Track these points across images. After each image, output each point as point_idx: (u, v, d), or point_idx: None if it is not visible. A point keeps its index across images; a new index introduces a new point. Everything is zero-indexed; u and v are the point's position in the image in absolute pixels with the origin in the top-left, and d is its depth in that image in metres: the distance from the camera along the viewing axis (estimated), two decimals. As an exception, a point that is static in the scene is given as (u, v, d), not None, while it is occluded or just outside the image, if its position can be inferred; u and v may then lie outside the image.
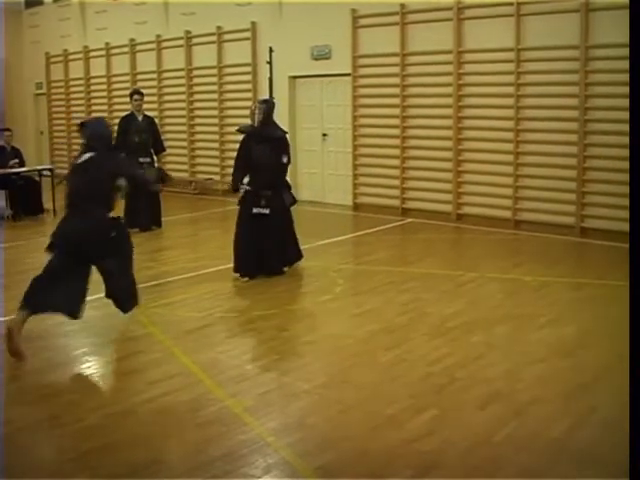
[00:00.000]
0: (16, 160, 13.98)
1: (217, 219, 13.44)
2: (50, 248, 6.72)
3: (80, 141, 7.43)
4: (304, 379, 5.78)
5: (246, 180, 8.83)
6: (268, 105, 9.09)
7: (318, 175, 14.74)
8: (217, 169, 16.07)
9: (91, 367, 6.28)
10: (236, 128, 9.57)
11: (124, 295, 7.19)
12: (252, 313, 7.64)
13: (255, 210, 8.79)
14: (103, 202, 6.77)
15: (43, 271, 6.68)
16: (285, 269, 9.13)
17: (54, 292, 6.63)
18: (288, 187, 9.17)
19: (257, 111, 8.94)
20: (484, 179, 12.22)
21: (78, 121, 7.40)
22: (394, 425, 4.94)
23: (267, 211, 8.80)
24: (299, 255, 9.33)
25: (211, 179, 16.05)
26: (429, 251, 10.48)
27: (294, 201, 9.22)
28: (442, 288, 8.39)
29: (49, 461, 4.59)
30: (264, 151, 8.79)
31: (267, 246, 8.87)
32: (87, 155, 6.81)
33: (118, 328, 7.26)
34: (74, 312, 6.81)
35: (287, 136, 9.22)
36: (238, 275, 8.90)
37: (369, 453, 4.58)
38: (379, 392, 5.53)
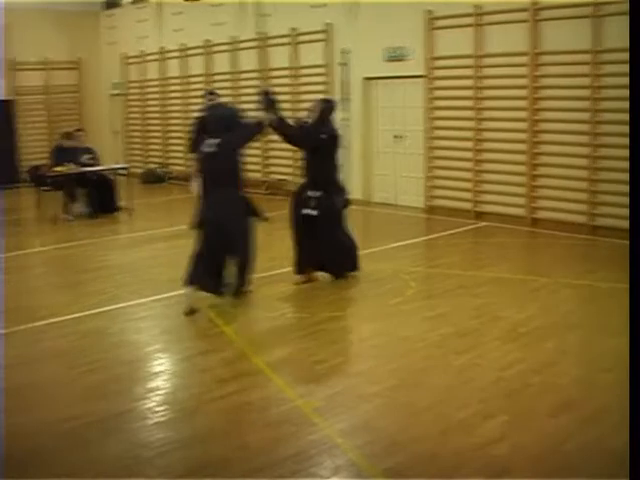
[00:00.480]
0: (90, 155, 14.25)
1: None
2: (196, 226, 7.74)
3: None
4: (373, 381, 5.78)
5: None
6: (326, 105, 8.95)
7: (391, 177, 14.69)
8: (290, 170, 16.14)
9: (163, 364, 6.37)
10: (297, 118, 9.44)
11: (237, 277, 7.79)
12: (323, 314, 7.66)
13: (304, 211, 8.66)
14: (234, 183, 7.71)
15: (194, 251, 7.73)
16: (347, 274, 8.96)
17: (202, 271, 7.64)
18: (342, 190, 8.95)
19: (315, 108, 8.82)
20: (559, 183, 12.03)
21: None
22: (464, 429, 4.91)
23: (315, 213, 8.61)
24: (353, 265, 9.02)
25: (284, 180, 16.20)
26: (502, 255, 10.37)
27: (346, 204, 8.98)
28: (515, 293, 8.30)
29: (117, 456, 4.67)
30: (313, 150, 8.66)
31: (319, 248, 8.71)
32: (212, 142, 7.61)
33: (191, 326, 7.36)
34: (217, 290, 7.75)
35: (338, 134, 8.93)
36: (298, 277, 8.86)
37: (439, 456, 4.56)
38: (450, 396, 5.49)
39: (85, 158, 14.08)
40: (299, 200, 8.77)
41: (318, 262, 8.85)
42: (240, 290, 7.85)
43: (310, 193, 8.65)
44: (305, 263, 8.85)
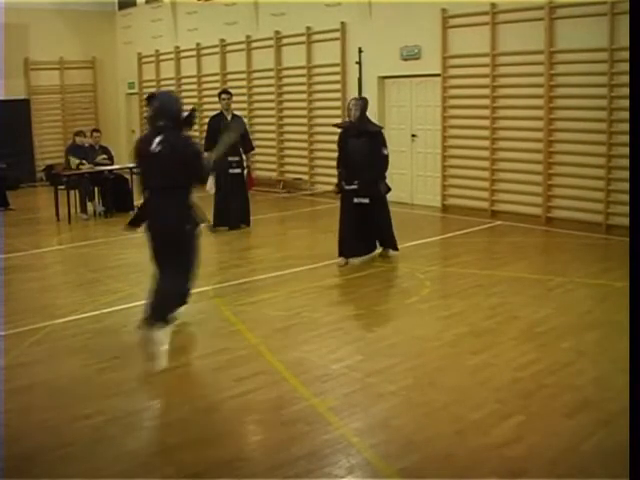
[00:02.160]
0: (104, 155, 14.31)
1: (305, 219, 13.48)
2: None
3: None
4: (389, 380, 5.76)
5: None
6: (364, 102, 9.66)
7: (407, 176, 14.64)
8: (306, 169, 16.14)
9: (178, 363, 6.37)
10: (334, 124, 9.93)
11: (160, 299, 6.53)
12: (339, 313, 7.65)
13: (356, 200, 9.48)
14: (180, 189, 6.54)
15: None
16: (380, 251, 9.94)
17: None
18: (384, 177, 9.74)
19: (353, 107, 9.47)
20: (575, 182, 11.98)
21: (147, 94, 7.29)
22: (480, 429, 4.88)
23: (367, 200, 9.46)
24: (394, 244, 9.90)
25: (300, 179, 16.21)
26: (518, 254, 10.32)
27: (388, 189, 9.80)
28: (531, 292, 8.26)
29: (135, 453, 4.68)
30: (362, 145, 9.39)
31: (369, 231, 9.70)
32: (157, 139, 6.70)
33: (206, 325, 7.35)
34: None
35: (383, 131, 9.81)
36: (341, 258, 9.54)
37: (454, 457, 4.54)
38: (465, 396, 5.47)
39: (100, 158, 14.13)
40: (349, 191, 9.52)
41: (364, 247, 9.75)
42: None
43: (358, 183, 9.46)
44: (347, 250, 9.60)
